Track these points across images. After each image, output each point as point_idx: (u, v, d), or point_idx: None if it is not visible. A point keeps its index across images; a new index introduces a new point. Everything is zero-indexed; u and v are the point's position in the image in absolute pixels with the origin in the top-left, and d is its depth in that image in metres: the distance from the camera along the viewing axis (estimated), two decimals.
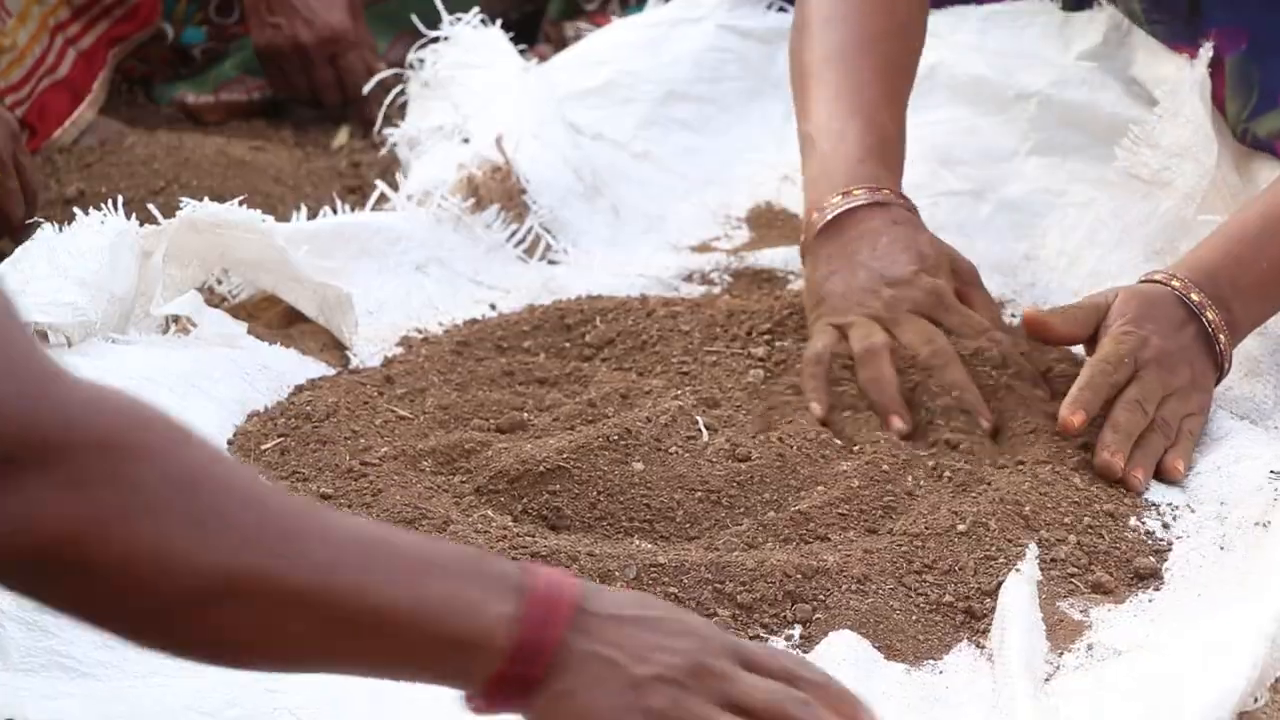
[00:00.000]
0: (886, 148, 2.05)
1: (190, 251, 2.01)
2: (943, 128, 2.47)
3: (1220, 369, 1.90)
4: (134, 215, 2.00)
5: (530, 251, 2.31)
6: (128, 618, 1.20)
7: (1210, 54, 2.13)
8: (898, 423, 1.85)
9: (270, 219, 2.03)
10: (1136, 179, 2.11)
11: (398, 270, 2.21)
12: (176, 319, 1.94)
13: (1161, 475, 1.81)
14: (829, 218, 1.99)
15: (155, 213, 2.02)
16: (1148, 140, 2.12)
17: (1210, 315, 1.88)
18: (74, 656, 1.50)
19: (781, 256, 2.30)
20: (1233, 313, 1.89)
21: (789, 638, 1.55)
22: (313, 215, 2.29)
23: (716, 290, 2.25)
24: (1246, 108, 2.14)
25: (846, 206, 1.99)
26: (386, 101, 2.56)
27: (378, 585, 1.23)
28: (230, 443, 1.84)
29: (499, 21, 2.59)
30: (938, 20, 2.44)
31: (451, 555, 1.27)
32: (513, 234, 2.31)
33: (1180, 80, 2.13)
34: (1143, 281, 1.93)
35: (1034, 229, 2.30)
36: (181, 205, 2.00)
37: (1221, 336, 1.88)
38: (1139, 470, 1.79)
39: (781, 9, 2.75)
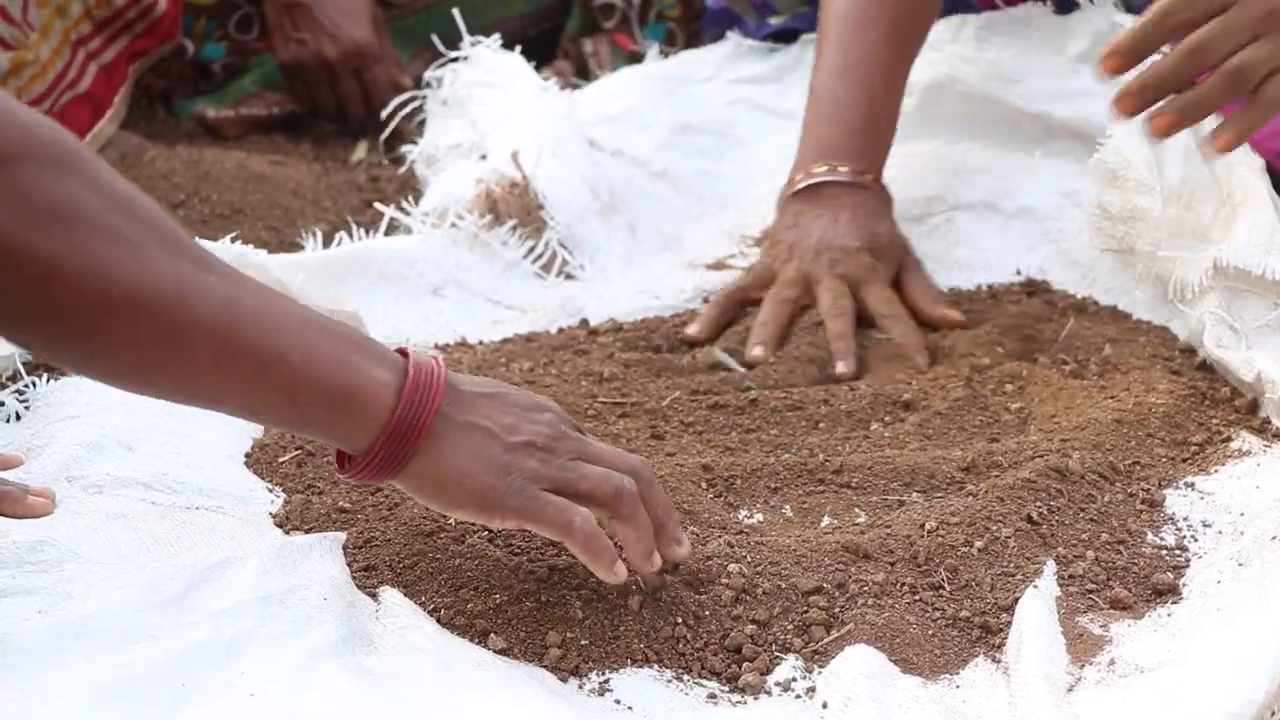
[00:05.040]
0: (879, 125, 2.21)
1: None
2: (954, 138, 2.48)
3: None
4: None
5: (547, 268, 2.32)
6: (43, 316, 1.28)
7: None
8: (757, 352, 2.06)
9: (263, 253, 2.02)
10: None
11: (415, 294, 2.22)
12: None
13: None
14: (810, 183, 2.18)
15: None
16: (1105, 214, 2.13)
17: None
18: None
19: None
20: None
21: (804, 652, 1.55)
22: (331, 230, 2.29)
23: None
24: None
25: (826, 179, 2.17)
26: (400, 115, 2.57)
27: (277, 326, 1.35)
28: (248, 455, 1.83)
29: (518, 48, 2.60)
30: (937, 30, 2.45)
31: (341, 327, 1.40)
32: (530, 250, 2.32)
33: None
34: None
35: (1049, 236, 2.30)
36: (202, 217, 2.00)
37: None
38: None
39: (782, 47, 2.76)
